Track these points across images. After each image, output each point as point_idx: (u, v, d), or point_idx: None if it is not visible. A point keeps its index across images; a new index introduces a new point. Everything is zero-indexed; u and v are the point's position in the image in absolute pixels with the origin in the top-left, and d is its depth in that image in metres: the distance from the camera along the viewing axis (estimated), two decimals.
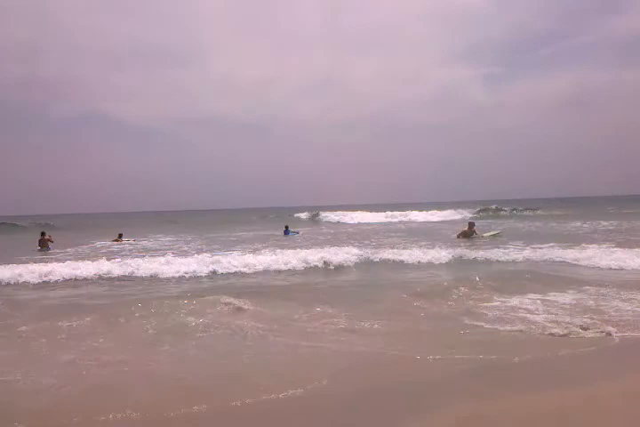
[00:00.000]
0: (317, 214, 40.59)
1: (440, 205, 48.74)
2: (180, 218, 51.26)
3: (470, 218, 31.74)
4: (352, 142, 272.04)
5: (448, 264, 10.61)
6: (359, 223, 34.08)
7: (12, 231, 32.88)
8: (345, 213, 39.01)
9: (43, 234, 18.63)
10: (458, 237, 17.48)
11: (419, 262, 10.87)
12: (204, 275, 10.13)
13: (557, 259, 10.81)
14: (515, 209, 40.92)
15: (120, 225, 34.22)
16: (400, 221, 34.24)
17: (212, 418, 3.46)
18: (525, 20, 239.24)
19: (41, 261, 12.38)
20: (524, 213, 39.41)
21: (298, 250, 12.56)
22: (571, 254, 11.00)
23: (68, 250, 17.47)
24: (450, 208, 39.08)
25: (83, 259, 11.97)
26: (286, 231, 24.14)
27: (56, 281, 9.80)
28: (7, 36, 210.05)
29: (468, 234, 17.29)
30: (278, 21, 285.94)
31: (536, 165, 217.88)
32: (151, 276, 10.00)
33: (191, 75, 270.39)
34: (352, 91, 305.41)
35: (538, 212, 39.73)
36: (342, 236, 21.93)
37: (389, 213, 37.72)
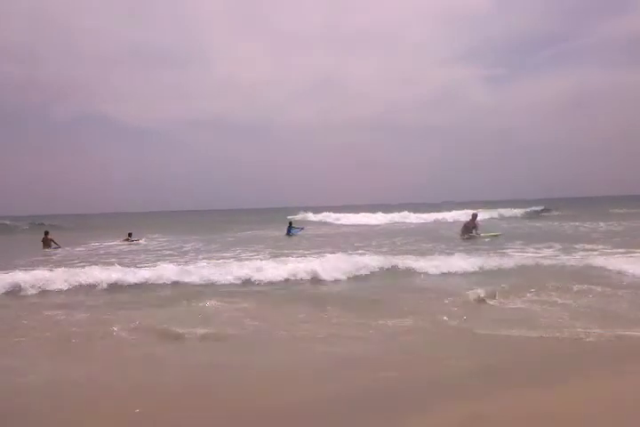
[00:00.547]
0: (316, 215, 40.00)
1: (438, 206, 48.54)
2: (178, 218, 51.18)
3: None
4: (352, 143, 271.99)
5: (466, 271, 9.72)
6: (359, 224, 33.87)
7: (6, 232, 32.60)
8: (344, 214, 38.63)
9: (46, 233, 18.62)
10: (462, 230, 17.44)
11: (426, 270, 9.88)
12: (202, 282, 9.31)
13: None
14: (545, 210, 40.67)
15: (118, 225, 34.15)
16: (400, 222, 33.92)
17: (222, 422, 3.46)
18: (527, 21, 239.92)
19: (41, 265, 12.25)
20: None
21: (301, 250, 12.41)
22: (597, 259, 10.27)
23: (67, 249, 17.51)
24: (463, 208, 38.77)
25: (96, 261, 11.80)
26: (289, 230, 23.04)
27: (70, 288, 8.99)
28: (5, 37, 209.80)
29: (471, 227, 17.23)
30: (277, 22, 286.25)
31: (537, 165, 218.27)
32: (147, 281, 9.37)
33: (190, 76, 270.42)
34: (352, 91, 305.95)
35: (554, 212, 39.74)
36: (340, 237, 21.66)
37: (390, 214, 37.34)
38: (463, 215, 28.73)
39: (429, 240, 17.23)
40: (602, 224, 22.99)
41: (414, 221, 34.30)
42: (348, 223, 34.80)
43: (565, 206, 46.69)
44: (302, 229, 24.34)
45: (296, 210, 48.66)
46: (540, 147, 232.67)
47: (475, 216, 17.68)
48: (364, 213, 38.29)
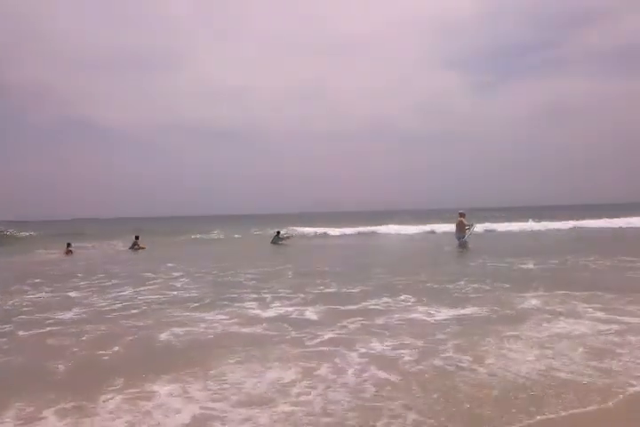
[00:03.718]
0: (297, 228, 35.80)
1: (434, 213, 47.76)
2: (162, 225, 49.59)
3: None
4: (338, 151, 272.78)
5: None
6: (340, 235, 32.54)
7: None
8: (323, 228, 34.68)
9: (69, 245, 20.99)
10: (456, 230, 17.96)
11: None
12: None
13: None
14: None
15: (109, 232, 33.30)
16: (394, 234, 32.11)
17: None
18: (513, 30, 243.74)
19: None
20: None
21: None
22: None
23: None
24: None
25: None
26: (275, 239, 24.21)
27: None
28: None
29: (462, 225, 17.78)
30: (264, 29, 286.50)
31: (524, 172, 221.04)
32: None
33: (172, 81, 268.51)
34: (338, 99, 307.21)
35: None
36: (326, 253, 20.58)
37: (385, 226, 34.89)
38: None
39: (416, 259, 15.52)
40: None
41: (411, 232, 32.31)
42: (331, 234, 32.92)
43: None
44: (285, 238, 25.14)
45: (281, 218, 46.73)
46: (527, 154, 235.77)
47: (461, 215, 18.07)
48: (345, 228, 34.83)
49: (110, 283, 11.47)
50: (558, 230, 30.99)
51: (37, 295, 9.96)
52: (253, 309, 7.94)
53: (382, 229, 34.31)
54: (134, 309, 8.27)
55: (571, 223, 33.94)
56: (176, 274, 12.74)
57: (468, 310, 7.33)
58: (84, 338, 6.35)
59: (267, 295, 9.11)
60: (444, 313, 7.16)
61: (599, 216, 36.38)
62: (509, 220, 38.01)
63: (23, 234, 33.99)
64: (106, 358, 5.49)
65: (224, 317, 7.37)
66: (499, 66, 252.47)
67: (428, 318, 6.89)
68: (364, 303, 8.10)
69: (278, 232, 25.38)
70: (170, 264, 15.09)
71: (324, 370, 4.77)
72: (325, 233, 33.33)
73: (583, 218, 36.24)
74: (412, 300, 8.20)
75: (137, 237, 22.44)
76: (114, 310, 8.17)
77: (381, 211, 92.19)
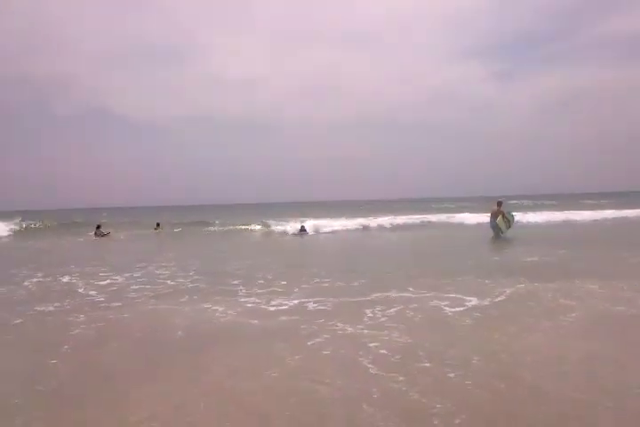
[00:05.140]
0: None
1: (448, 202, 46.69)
2: (179, 213, 49.53)
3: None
4: (351, 140, 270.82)
5: None
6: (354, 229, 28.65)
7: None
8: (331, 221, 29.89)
9: (98, 227, 24.27)
10: (491, 218, 17.86)
11: None
12: None
13: None
14: None
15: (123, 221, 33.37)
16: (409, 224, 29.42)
17: None
18: (526, 19, 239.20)
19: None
20: None
21: None
22: None
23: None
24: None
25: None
26: (301, 230, 25.26)
27: None
28: (4, 33, 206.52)
29: (498, 213, 17.55)
30: (275, 20, 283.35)
31: (537, 161, 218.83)
32: None
33: (188, 72, 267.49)
34: (349, 90, 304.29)
35: None
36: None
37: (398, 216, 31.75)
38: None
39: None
40: None
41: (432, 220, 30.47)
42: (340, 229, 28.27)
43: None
44: (306, 233, 25.44)
45: (287, 205, 44.73)
46: (540, 144, 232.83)
47: (499, 204, 17.81)
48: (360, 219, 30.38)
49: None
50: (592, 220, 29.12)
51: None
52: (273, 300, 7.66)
53: (400, 219, 30.93)
54: (142, 298, 8.05)
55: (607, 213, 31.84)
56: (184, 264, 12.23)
57: (497, 300, 7.17)
58: (73, 333, 6.00)
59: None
60: (468, 304, 6.91)
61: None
62: (534, 209, 36.94)
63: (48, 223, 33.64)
64: (100, 358, 5.06)
65: (239, 309, 7.03)
66: (514, 55, 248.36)
67: (450, 309, 6.65)
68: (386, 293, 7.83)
69: (302, 226, 26.01)
70: (184, 257, 14.50)
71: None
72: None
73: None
74: (435, 290, 7.89)
75: (158, 224, 27.74)
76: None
77: (396, 200, 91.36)
